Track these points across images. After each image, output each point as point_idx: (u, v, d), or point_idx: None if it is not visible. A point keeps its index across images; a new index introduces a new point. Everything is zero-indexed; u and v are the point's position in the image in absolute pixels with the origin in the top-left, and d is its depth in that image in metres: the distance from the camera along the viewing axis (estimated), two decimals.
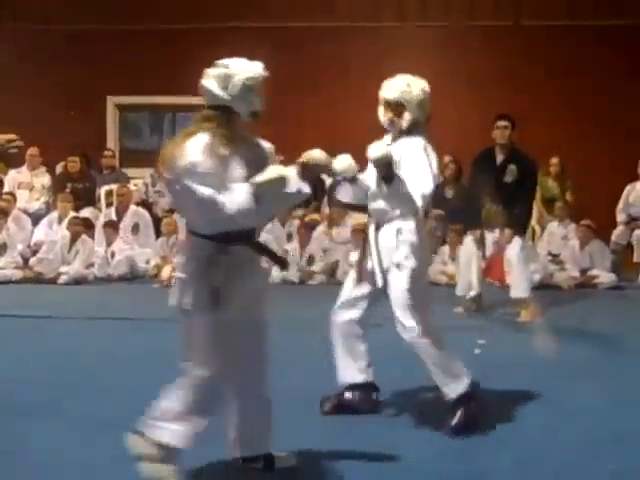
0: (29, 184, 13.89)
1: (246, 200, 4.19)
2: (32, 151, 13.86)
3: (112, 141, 15.70)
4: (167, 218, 12.62)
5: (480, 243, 9.43)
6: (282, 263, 4.73)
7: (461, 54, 14.48)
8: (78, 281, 11.85)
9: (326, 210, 13.07)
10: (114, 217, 12.80)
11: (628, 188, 13.16)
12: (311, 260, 12.21)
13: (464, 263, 9.71)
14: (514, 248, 9.21)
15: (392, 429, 5.43)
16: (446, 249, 12.20)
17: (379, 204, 5.55)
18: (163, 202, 13.38)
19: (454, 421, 5.37)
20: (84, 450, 4.95)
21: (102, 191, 13.64)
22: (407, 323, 5.39)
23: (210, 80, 4.42)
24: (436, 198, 13.07)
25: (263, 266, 4.52)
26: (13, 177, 14.04)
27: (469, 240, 9.61)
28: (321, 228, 12.68)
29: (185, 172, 4.16)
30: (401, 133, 5.57)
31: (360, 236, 11.72)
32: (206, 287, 4.23)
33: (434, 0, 15.03)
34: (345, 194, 5.66)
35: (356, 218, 12.79)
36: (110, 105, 15.70)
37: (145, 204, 13.38)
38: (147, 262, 12.36)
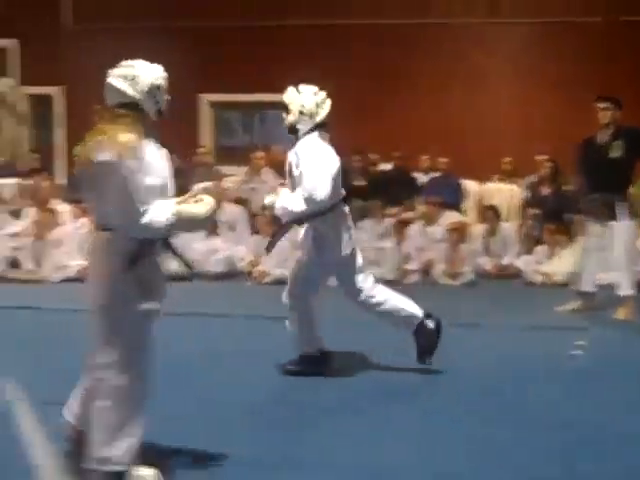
0: None
1: (164, 220, 4.35)
2: None
3: (206, 138, 15.86)
4: (262, 215, 12.68)
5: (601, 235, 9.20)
6: (188, 265, 4.92)
7: (553, 51, 14.30)
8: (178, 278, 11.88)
9: (421, 208, 13.03)
10: None
11: None
12: (406, 258, 12.17)
13: (586, 257, 9.45)
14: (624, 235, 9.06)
15: None
16: (542, 248, 12.06)
17: None
18: (258, 199, 13.44)
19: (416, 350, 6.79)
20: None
21: (196, 188, 13.71)
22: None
23: (118, 79, 4.50)
24: (533, 197, 13.06)
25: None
26: None
27: (593, 232, 9.37)
28: (416, 226, 12.63)
29: (111, 169, 4.28)
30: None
31: (455, 234, 11.84)
32: (131, 283, 4.31)
33: None
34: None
35: (450, 217, 12.75)
36: (204, 103, 15.86)
37: (240, 201, 13.46)
38: (242, 259, 12.42)
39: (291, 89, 6.58)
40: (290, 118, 6.52)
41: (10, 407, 5.57)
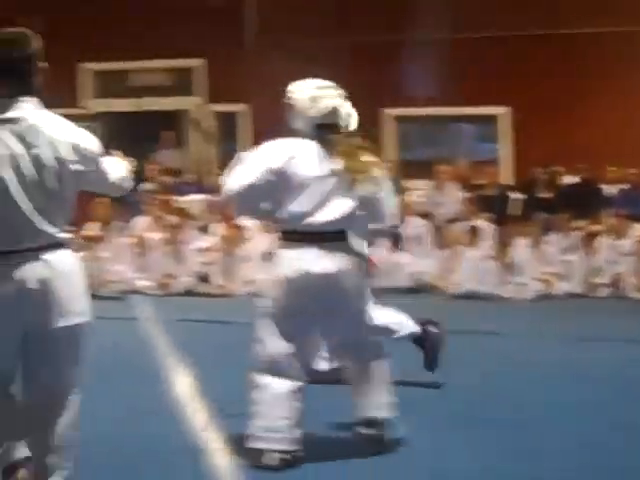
0: None
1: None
2: None
3: (390, 153, 15.88)
4: (446, 229, 12.63)
5: None
6: None
7: None
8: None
9: (609, 220, 12.69)
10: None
11: None
12: (595, 272, 11.87)
13: None
14: None
15: None
16: None
17: None
18: (443, 212, 13.39)
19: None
20: None
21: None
22: None
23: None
24: None
25: None
26: None
27: None
28: (604, 239, 12.31)
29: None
30: None
31: None
32: None
33: None
34: None
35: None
36: (388, 117, 15.89)
37: (425, 215, 13.42)
38: (427, 274, 12.35)
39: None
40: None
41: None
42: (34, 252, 4.05)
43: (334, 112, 5.18)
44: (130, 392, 6.62)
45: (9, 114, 4.15)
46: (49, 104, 15.35)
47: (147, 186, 15.27)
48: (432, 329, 6.27)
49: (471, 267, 11.71)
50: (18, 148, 4.06)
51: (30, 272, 4.05)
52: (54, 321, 4.11)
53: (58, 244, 4.13)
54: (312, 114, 5.15)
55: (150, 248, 12.57)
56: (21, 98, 4.20)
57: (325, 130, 5.13)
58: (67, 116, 15.49)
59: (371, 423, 5.38)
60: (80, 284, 4.23)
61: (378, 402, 5.39)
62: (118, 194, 4.72)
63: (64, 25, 16.06)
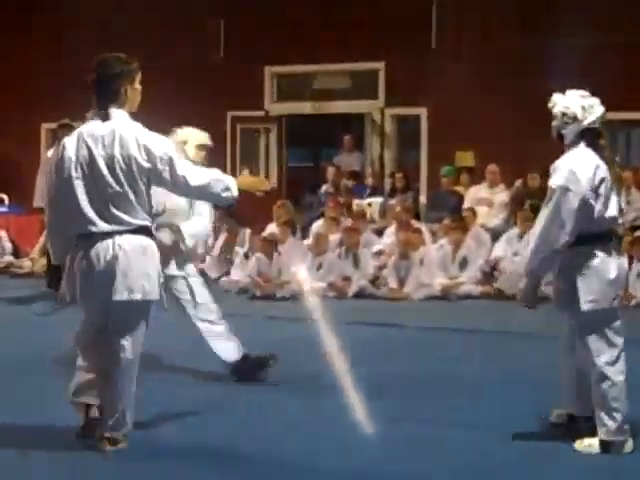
0: (489, 200, 14.16)
1: None
2: (492, 168, 14.14)
3: None
4: (627, 237, 12.28)
5: None
6: None
7: None
8: None
9: None
10: None
11: None
12: None
13: None
14: None
15: None
16: None
17: None
18: (624, 220, 13.03)
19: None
20: None
21: None
22: None
23: None
24: None
25: None
26: (473, 193, 14.39)
27: None
28: None
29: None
30: None
31: None
32: None
33: None
34: None
35: None
36: None
37: None
38: None
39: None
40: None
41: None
42: (108, 235, 5.10)
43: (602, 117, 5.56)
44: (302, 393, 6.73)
45: (98, 122, 5.21)
46: (235, 106, 15.69)
47: (326, 188, 15.48)
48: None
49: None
50: (99, 149, 5.12)
51: (102, 251, 5.11)
52: (114, 294, 5.10)
53: (131, 229, 5.12)
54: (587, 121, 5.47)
55: (326, 250, 12.70)
56: (109, 109, 5.21)
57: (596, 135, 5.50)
58: (249, 118, 15.93)
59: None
60: (143, 265, 5.15)
61: None
62: (212, 201, 5.65)
63: (252, 28, 16.46)
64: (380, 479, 4.98)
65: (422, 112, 16.22)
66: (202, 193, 5.34)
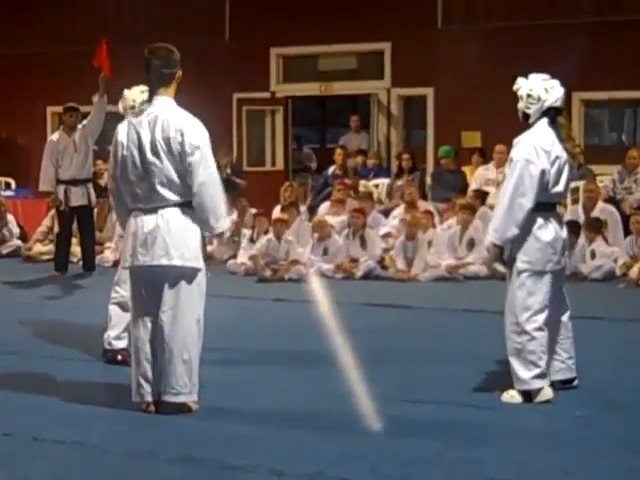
0: (496, 180, 14.13)
1: None
2: (499, 148, 14.10)
3: (576, 137, 15.51)
4: (635, 216, 12.25)
5: None
6: None
7: None
8: None
9: None
10: (581, 214, 12.62)
11: None
12: None
13: None
14: None
15: None
16: None
17: None
18: (631, 199, 13.01)
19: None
20: None
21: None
22: None
23: None
24: None
25: None
26: (481, 174, 14.37)
27: None
28: None
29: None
30: None
31: None
32: None
33: None
34: None
35: None
36: (575, 100, 15.53)
37: (613, 201, 13.05)
38: (615, 261, 12.00)
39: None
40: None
41: None
42: (154, 210, 5.65)
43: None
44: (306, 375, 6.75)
45: (147, 107, 5.78)
46: (241, 88, 15.62)
47: (333, 170, 15.46)
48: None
49: None
50: (145, 132, 5.65)
51: (147, 224, 5.66)
52: (156, 260, 5.65)
53: (174, 205, 5.64)
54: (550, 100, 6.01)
55: (330, 234, 12.67)
56: (156, 95, 5.76)
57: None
58: (255, 100, 15.85)
59: None
60: (184, 236, 5.63)
61: None
62: (201, 216, 5.74)
63: (258, 10, 16.42)
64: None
65: (429, 92, 16.17)
66: (201, 199, 5.66)
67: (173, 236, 5.64)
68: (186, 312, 5.65)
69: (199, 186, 5.61)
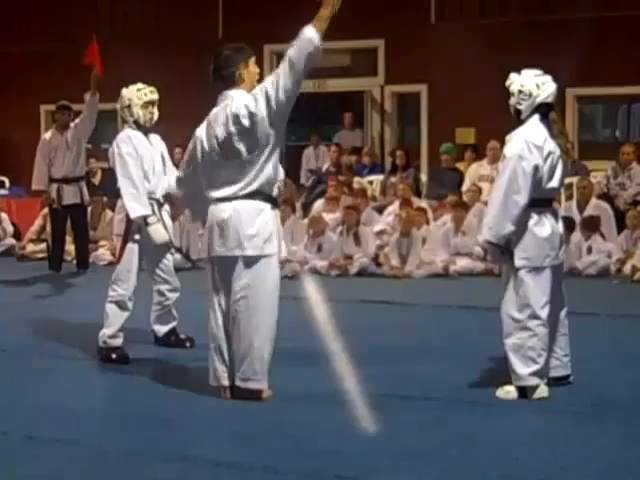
0: (490, 177, 14.12)
1: None
2: (493, 144, 14.08)
3: (570, 133, 15.52)
4: (631, 211, 12.26)
5: None
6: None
7: None
8: None
9: None
10: (574, 210, 12.63)
11: None
12: None
13: None
14: None
15: None
16: None
17: None
18: (625, 195, 13.02)
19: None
20: None
21: None
22: None
23: None
24: None
25: None
26: (475, 170, 14.37)
27: None
28: None
29: None
30: None
31: None
32: None
33: None
34: None
35: None
36: (569, 97, 15.52)
37: (607, 197, 13.06)
38: (609, 256, 12.00)
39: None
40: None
41: None
42: (226, 199, 5.82)
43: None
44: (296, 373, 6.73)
45: (221, 101, 5.93)
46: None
47: (327, 167, 15.45)
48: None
49: None
50: (216, 127, 5.84)
51: (219, 213, 5.82)
52: (226, 248, 5.82)
53: (245, 195, 5.79)
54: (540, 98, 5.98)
55: (324, 231, 12.66)
56: (226, 91, 5.94)
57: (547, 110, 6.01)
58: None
59: None
60: (253, 225, 5.75)
61: None
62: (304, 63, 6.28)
63: (251, 7, 16.40)
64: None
65: (422, 89, 16.17)
66: (298, 60, 6.25)
67: (245, 227, 5.77)
68: (259, 300, 5.78)
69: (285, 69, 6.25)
